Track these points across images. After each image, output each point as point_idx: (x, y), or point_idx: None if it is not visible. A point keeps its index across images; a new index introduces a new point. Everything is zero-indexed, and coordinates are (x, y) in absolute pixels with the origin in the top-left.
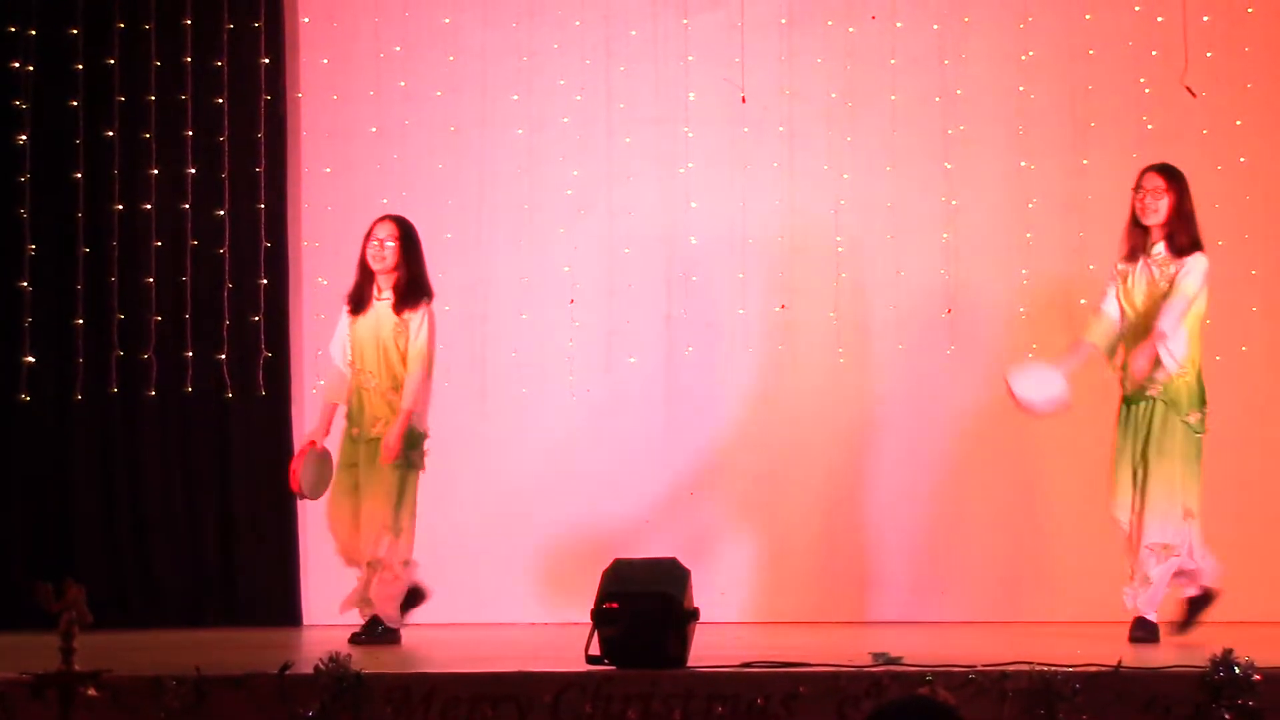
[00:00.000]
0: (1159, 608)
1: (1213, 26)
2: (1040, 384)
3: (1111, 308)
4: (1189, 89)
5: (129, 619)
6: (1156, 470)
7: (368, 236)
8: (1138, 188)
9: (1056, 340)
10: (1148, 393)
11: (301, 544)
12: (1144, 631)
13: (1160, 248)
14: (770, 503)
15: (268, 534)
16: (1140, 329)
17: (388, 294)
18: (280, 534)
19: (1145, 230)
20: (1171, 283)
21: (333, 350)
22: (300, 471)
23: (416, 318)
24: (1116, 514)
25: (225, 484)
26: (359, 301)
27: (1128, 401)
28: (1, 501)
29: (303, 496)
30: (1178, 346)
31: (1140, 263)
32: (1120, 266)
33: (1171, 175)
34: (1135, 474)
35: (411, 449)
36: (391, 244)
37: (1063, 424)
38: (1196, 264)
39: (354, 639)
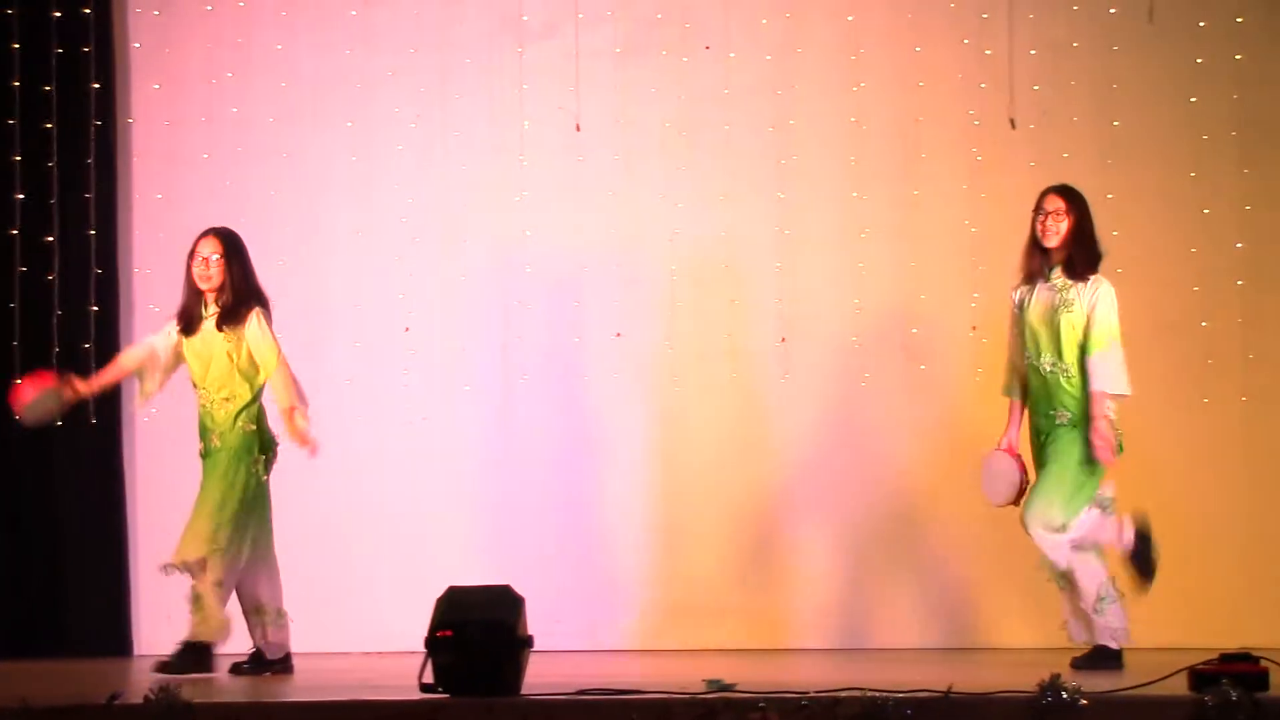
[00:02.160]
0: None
1: (1039, 59)
2: (999, 482)
3: (1016, 352)
4: (1011, 121)
5: None
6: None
7: (192, 255)
8: (1038, 209)
9: (888, 367)
10: (1058, 423)
11: (132, 573)
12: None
13: (1058, 271)
14: (605, 530)
15: (97, 563)
16: (1038, 350)
17: (213, 310)
18: (110, 563)
19: (1045, 253)
20: (1069, 307)
21: (153, 339)
22: (26, 392)
23: (249, 324)
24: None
25: (53, 512)
26: (189, 322)
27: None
28: None
29: (16, 414)
30: (1119, 383)
31: (1037, 286)
32: (1016, 293)
33: (1072, 197)
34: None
35: (250, 453)
36: (216, 258)
37: (886, 445)
38: (1105, 296)
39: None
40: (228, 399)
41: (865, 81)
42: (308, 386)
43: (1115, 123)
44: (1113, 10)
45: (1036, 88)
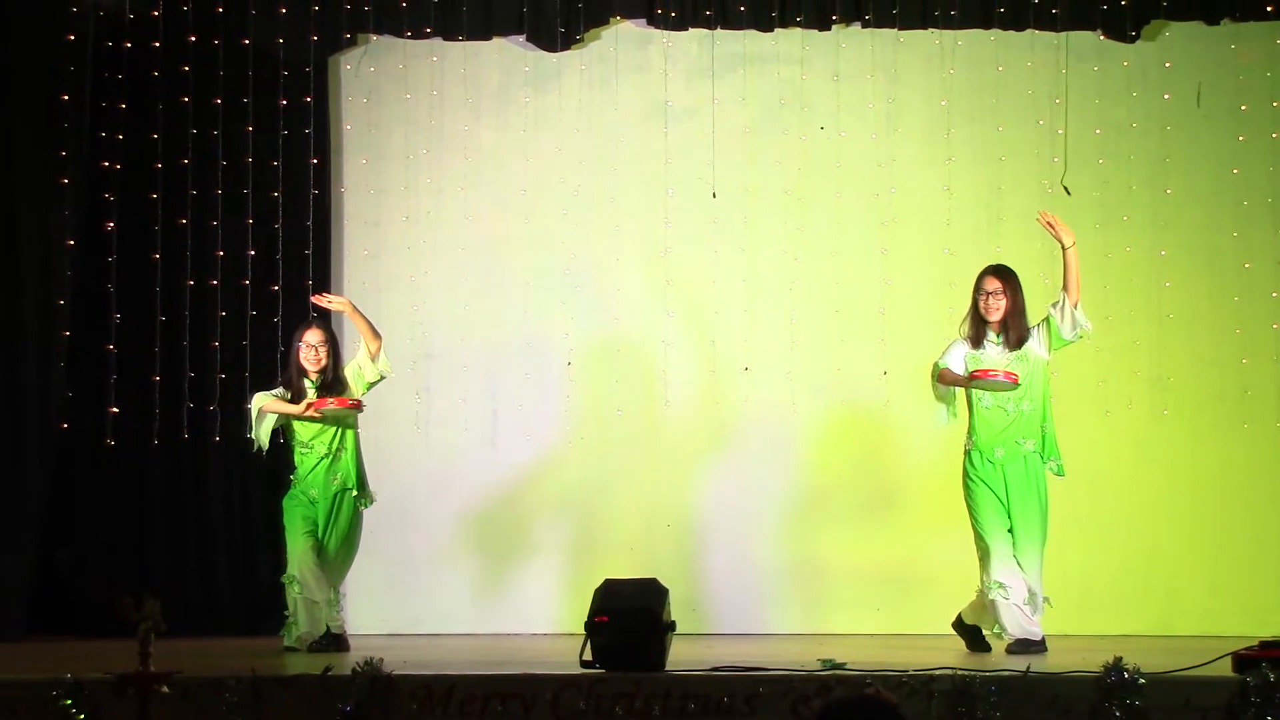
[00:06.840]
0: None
1: (1103, 138)
2: None
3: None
4: (1065, 188)
5: (196, 629)
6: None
7: (300, 341)
8: (979, 289)
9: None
10: (1025, 447)
11: None
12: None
13: (999, 339)
14: (736, 531)
15: None
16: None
17: (315, 386)
18: None
19: (985, 323)
20: (1024, 359)
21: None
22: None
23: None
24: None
25: (278, 514)
26: (298, 398)
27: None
28: (90, 530)
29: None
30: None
31: (984, 349)
32: (970, 350)
33: (1006, 277)
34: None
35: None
36: (324, 349)
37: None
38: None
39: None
40: (332, 454)
41: (955, 156)
42: (486, 413)
43: (1168, 191)
44: (1166, 96)
45: (1101, 162)
